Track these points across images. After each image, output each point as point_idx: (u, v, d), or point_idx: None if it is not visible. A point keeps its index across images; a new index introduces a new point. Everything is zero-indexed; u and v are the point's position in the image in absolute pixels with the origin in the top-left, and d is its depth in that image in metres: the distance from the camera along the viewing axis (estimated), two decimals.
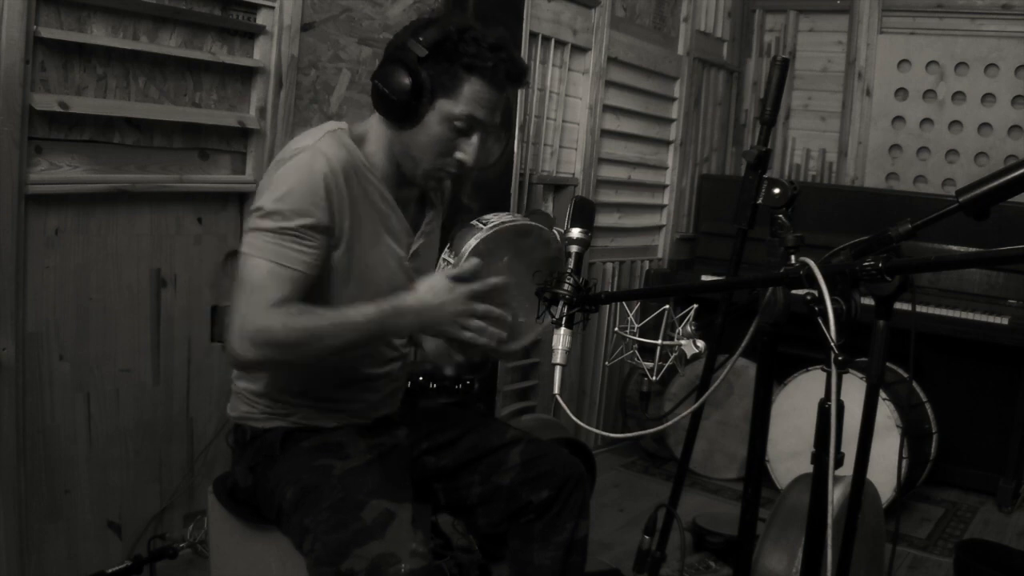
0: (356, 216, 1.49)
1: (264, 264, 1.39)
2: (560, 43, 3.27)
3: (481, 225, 1.51)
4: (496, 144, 2.76)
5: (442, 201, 1.73)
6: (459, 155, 1.51)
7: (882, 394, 2.93)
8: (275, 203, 1.40)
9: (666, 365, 2.83)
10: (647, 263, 4.02)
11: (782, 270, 1.20)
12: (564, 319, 1.34)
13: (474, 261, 1.48)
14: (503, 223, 1.52)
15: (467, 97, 1.46)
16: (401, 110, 1.46)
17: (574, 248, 1.41)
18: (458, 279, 1.47)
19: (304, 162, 1.43)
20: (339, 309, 1.44)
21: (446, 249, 1.54)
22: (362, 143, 1.55)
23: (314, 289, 1.47)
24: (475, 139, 1.50)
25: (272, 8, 2.29)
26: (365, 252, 1.52)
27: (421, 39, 1.44)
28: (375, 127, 1.55)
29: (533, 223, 1.56)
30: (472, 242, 1.48)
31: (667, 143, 4.06)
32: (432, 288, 1.47)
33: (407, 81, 1.44)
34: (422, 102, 1.45)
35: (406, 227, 1.61)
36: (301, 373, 1.57)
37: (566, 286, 1.35)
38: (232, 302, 1.41)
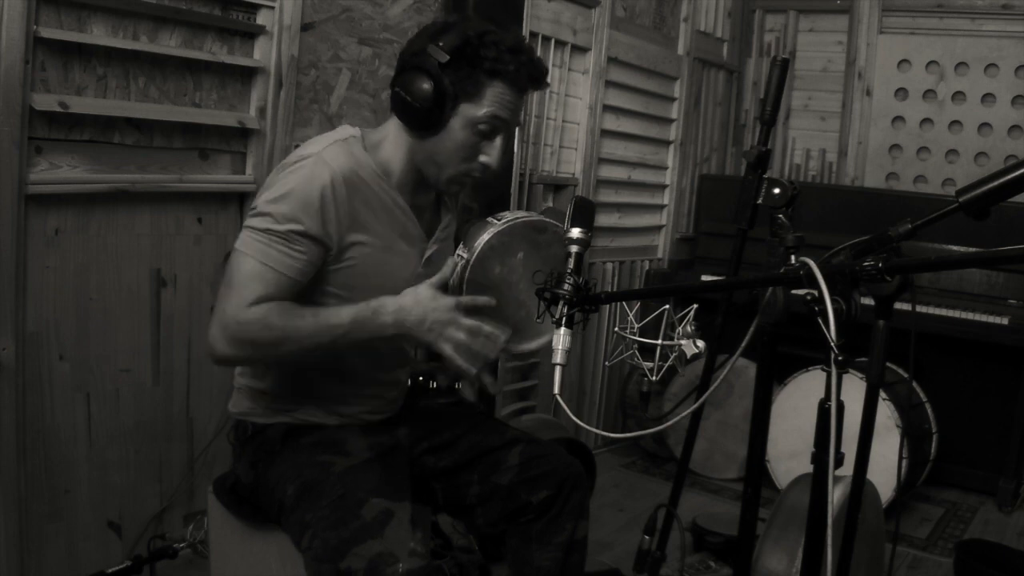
0: (364, 225, 1.49)
1: (249, 262, 1.40)
2: (560, 43, 3.27)
3: (495, 220, 1.51)
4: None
5: (456, 206, 1.73)
6: (483, 158, 1.51)
7: (882, 394, 2.93)
8: (268, 204, 1.42)
9: (666, 365, 2.83)
10: (647, 263, 4.02)
11: (782, 270, 1.20)
12: (564, 319, 1.34)
13: (483, 299, 1.48)
14: (517, 218, 1.52)
15: (490, 101, 1.46)
16: (424, 117, 1.46)
17: (574, 248, 1.40)
18: (444, 288, 1.45)
19: (306, 170, 1.43)
20: (318, 309, 1.44)
21: (460, 246, 1.54)
22: (377, 150, 1.54)
23: (327, 300, 1.47)
24: (498, 141, 1.50)
25: (272, 8, 2.29)
26: (379, 260, 1.52)
27: (441, 44, 1.43)
28: (393, 134, 1.55)
29: (548, 219, 1.56)
30: (485, 237, 1.48)
31: (667, 143, 4.06)
32: (415, 295, 1.46)
33: (429, 88, 1.43)
34: (445, 108, 1.45)
35: (421, 234, 1.60)
36: (306, 375, 1.57)
37: (566, 286, 1.35)
38: (218, 296, 1.42)
